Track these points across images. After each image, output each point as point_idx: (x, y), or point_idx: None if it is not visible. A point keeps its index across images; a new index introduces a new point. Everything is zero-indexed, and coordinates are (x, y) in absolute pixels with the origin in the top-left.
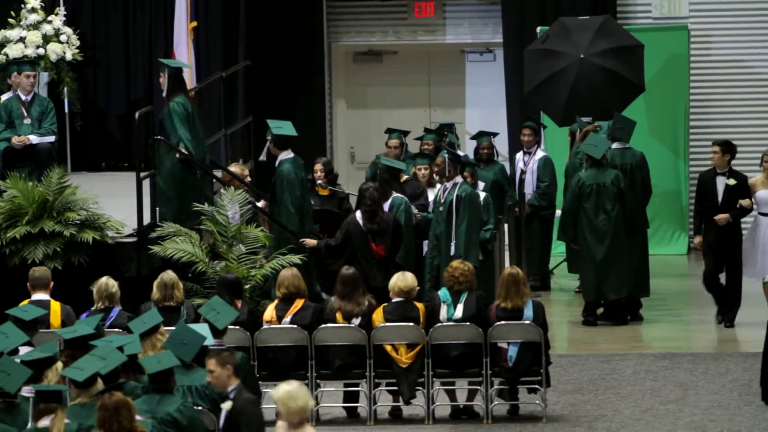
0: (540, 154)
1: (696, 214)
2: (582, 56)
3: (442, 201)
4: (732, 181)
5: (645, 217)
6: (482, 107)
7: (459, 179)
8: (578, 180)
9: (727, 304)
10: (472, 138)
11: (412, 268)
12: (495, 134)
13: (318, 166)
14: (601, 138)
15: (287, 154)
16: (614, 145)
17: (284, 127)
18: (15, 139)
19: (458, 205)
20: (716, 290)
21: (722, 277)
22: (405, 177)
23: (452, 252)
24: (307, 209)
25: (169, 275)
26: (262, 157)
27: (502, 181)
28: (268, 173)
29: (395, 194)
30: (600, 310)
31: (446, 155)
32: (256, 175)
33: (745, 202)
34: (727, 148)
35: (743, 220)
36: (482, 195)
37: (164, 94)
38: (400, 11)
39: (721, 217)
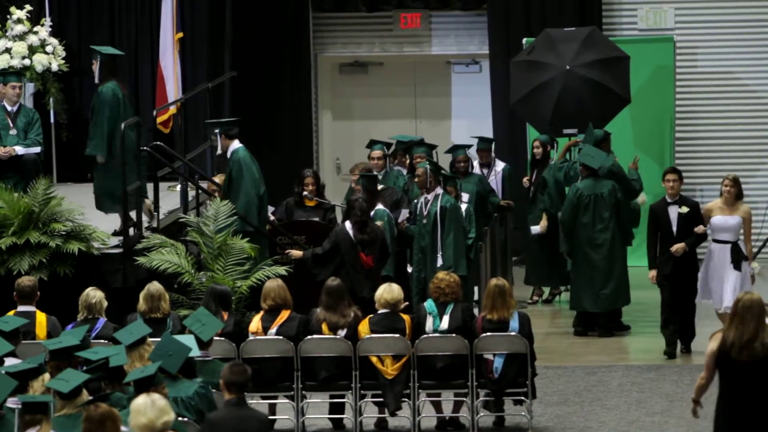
0: (500, 165)
1: (650, 246)
2: (568, 67)
3: (425, 213)
4: (685, 209)
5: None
6: (468, 118)
7: (440, 190)
8: (576, 191)
9: (683, 338)
10: (447, 152)
11: (394, 278)
12: (469, 146)
13: (309, 180)
14: (597, 149)
15: (237, 144)
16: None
17: (110, 49)
18: (1, 150)
19: (443, 217)
20: (674, 315)
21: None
22: (380, 186)
23: (439, 263)
24: (264, 195)
25: (155, 286)
26: (219, 151)
27: (482, 192)
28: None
29: (379, 206)
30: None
31: (427, 166)
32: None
33: (699, 229)
34: (681, 175)
35: (698, 248)
36: (464, 206)
37: (96, 80)
38: (386, 23)
39: (678, 247)
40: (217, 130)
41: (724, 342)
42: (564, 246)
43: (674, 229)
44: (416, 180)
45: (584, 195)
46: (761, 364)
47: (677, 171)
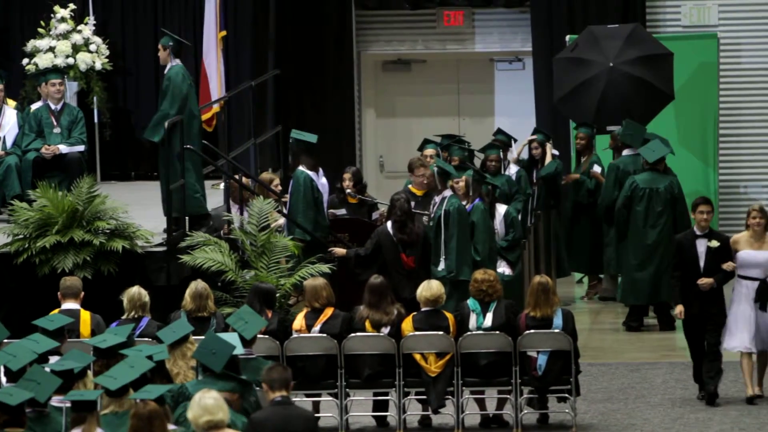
0: (514, 169)
1: (675, 280)
2: (611, 64)
3: (432, 215)
4: (715, 243)
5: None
6: (511, 116)
7: (447, 193)
8: (632, 182)
9: (708, 376)
10: (480, 150)
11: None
12: (501, 147)
13: (347, 176)
14: (658, 144)
15: (176, 62)
16: (625, 152)
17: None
18: (45, 149)
19: (446, 220)
20: (701, 367)
21: None
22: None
23: (441, 267)
24: (196, 113)
25: (202, 285)
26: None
27: (508, 193)
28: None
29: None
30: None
31: (435, 168)
32: (285, 183)
33: (728, 266)
34: (713, 207)
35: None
36: (503, 209)
37: (163, 63)
38: (429, 20)
39: (706, 281)
40: (166, 42)
41: None
42: (615, 237)
43: (701, 264)
44: (425, 181)
45: (639, 187)
46: None
47: (710, 202)
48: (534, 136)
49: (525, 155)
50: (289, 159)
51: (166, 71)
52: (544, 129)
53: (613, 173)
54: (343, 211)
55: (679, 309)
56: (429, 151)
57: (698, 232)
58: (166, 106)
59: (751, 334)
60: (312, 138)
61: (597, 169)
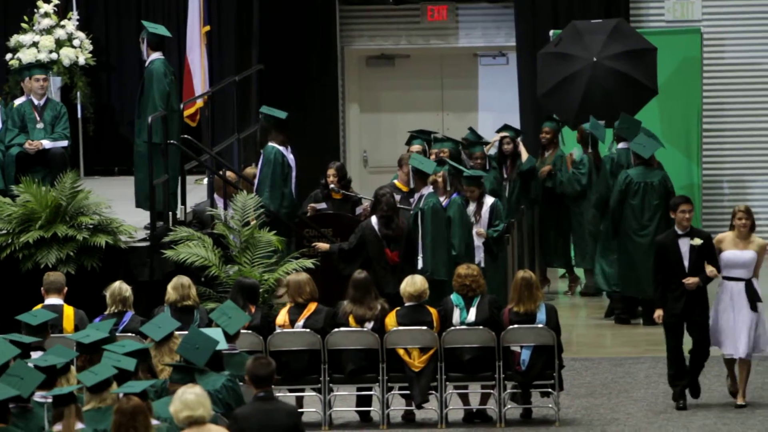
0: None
1: (657, 283)
2: (595, 59)
3: (411, 212)
4: (698, 241)
5: None
6: (495, 111)
7: (426, 190)
8: (626, 177)
9: (688, 381)
10: (464, 148)
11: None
12: (485, 143)
13: (331, 171)
14: (648, 138)
15: (158, 55)
16: (620, 145)
17: (158, 28)
18: (28, 144)
19: (422, 219)
20: (682, 369)
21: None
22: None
23: (419, 266)
24: (175, 108)
25: (184, 277)
26: (143, 57)
27: (496, 188)
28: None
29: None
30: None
31: (411, 164)
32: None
33: (711, 272)
34: (693, 206)
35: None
36: (490, 200)
37: (144, 57)
38: (413, 15)
39: (692, 281)
40: (143, 36)
41: None
42: (611, 232)
43: (686, 263)
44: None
45: (634, 182)
46: None
47: (691, 201)
48: (505, 133)
49: (493, 152)
50: (257, 135)
51: (146, 64)
52: (523, 124)
53: (607, 165)
54: (323, 206)
55: (658, 313)
56: (415, 147)
57: (680, 232)
58: (157, 103)
59: (741, 335)
60: (281, 114)
61: (576, 153)
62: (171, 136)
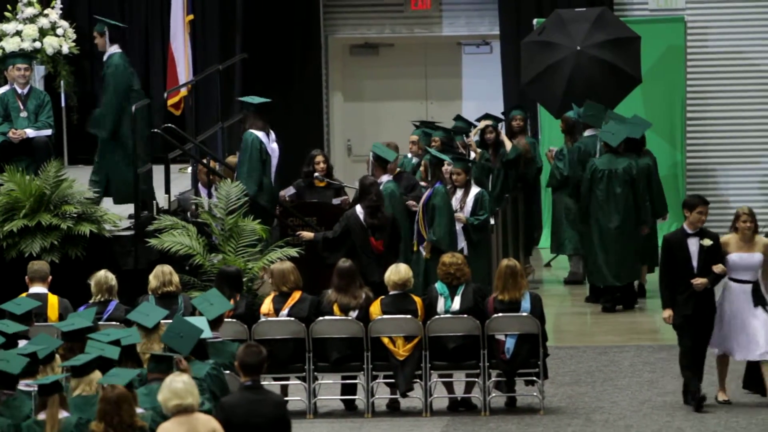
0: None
1: (665, 284)
2: (579, 48)
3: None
4: (708, 242)
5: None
6: (479, 100)
7: (385, 178)
8: (591, 165)
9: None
10: (449, 136)
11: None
12: (469, 131)
13: (320, 158)
14: (618, 126)
15: (116, 49)
16: (586, 133)
17: (116, 22)
18: (12, 133)
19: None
20: (697, 368)
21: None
22: (398, 169)
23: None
24: (134, 100)
25: (164, 265)
26: (100, 49)
27: (481, 177)
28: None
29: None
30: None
31: (372, 151)
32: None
33: (718, 269)
34: (708, 206)
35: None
36: (476, 190)
37: (101, 50)
38: (397, 4)
39: (701, 282)
40: (101, 29)
41: None
42: (579, 220)
43: (695, 263)
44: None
45: (599, 170)
46: None
47: (707, 202)
48: (488, 122)
49: (475, 140)
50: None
51: (105, 58)
52: (499, 113)
53: (574, 154)
54: (291, 190)
55: (667, 314)
56: (413, 137)
57: (690, 231)
58: (112, 99)
59: (755, 337)
60: (258, 100)
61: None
62: (147, 126)
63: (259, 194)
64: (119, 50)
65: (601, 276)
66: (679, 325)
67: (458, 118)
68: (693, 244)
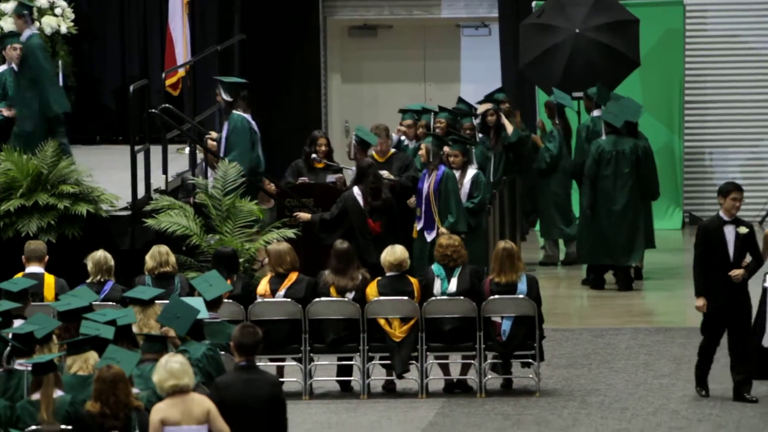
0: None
1: (700, 271)
2: (577, 31)
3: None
4: (744, 230)
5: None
6: (477, 82)
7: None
8: (598, 146)
9: (742, 378)
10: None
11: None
12: (476, 115)
13: (323, 141)
14: (621, 107)
15: (35, 29)
16: (595, 113)
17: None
18: (8, 112)
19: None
20: (709, 362)
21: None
22: (392, 150)
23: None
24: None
25: (161, 245)
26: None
27: (482, 162)
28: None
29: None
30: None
31: (356, 134)
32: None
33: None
34: (743, 192)
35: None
36: (473, 171)
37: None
38: None
39: (738, 272)
40: (23, 11)
41: None
42: (585, 200)
43: (731, 252)
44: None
45: (606, 151)
46: None
47: (742, 189)
48: (489, 105)
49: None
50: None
51: (23, 40)
52: (507, 95)
53: (583, 133)
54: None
55: (701, 302)
56: (406, 121)
57: (726, 218)
58: (50, 74)
59: None
60: (237, 80)
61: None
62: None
63: (253, 172)
64: (35, 31)
65: (610, 255)
66: (709, 314)
67: (460, 100)
68: (729, 232)
